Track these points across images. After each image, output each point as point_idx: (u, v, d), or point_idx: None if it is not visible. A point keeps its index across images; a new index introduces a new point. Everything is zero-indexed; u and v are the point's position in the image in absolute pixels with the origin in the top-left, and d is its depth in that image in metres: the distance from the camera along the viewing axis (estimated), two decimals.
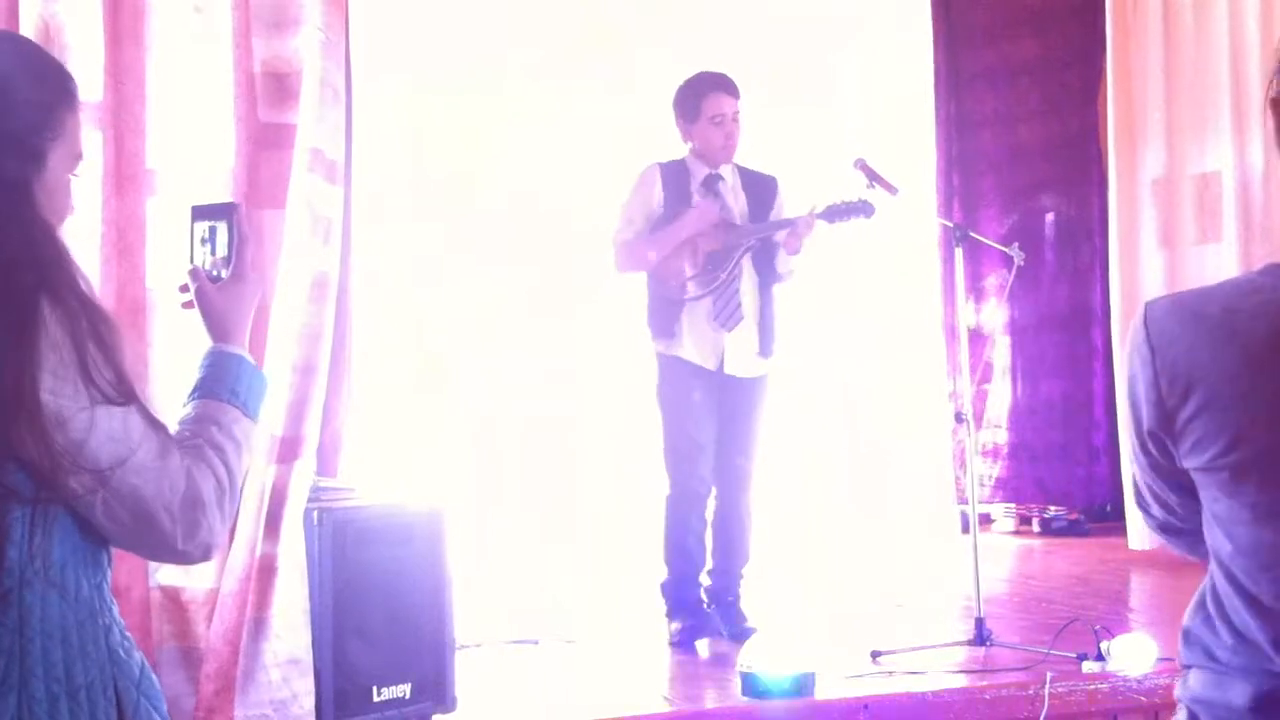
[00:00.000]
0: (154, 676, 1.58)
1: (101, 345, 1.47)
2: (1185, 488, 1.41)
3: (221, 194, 3.12)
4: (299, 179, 3.21)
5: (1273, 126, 1.41)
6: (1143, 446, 1.43)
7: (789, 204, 4.50)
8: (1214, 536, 1.38)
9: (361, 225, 5.48)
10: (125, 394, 1.48)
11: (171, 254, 3.08)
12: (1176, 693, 1.45)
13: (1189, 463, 1.37)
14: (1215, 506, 1.36)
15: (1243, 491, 1.32)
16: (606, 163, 4.54)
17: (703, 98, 4.38)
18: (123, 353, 1.49)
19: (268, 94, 3.26)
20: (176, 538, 1.51)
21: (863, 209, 4.30)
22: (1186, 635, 1.43)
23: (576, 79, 6.36)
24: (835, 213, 4.29)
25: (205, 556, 1.58)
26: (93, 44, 3.13)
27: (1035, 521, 7.16)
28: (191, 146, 3.25)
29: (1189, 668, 1.42)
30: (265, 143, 3.24)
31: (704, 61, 4.62)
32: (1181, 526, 1.47)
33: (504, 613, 4.73)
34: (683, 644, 4.24)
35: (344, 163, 3.38)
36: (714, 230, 4.34)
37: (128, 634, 1.57)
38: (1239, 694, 1.34)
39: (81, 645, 1.49)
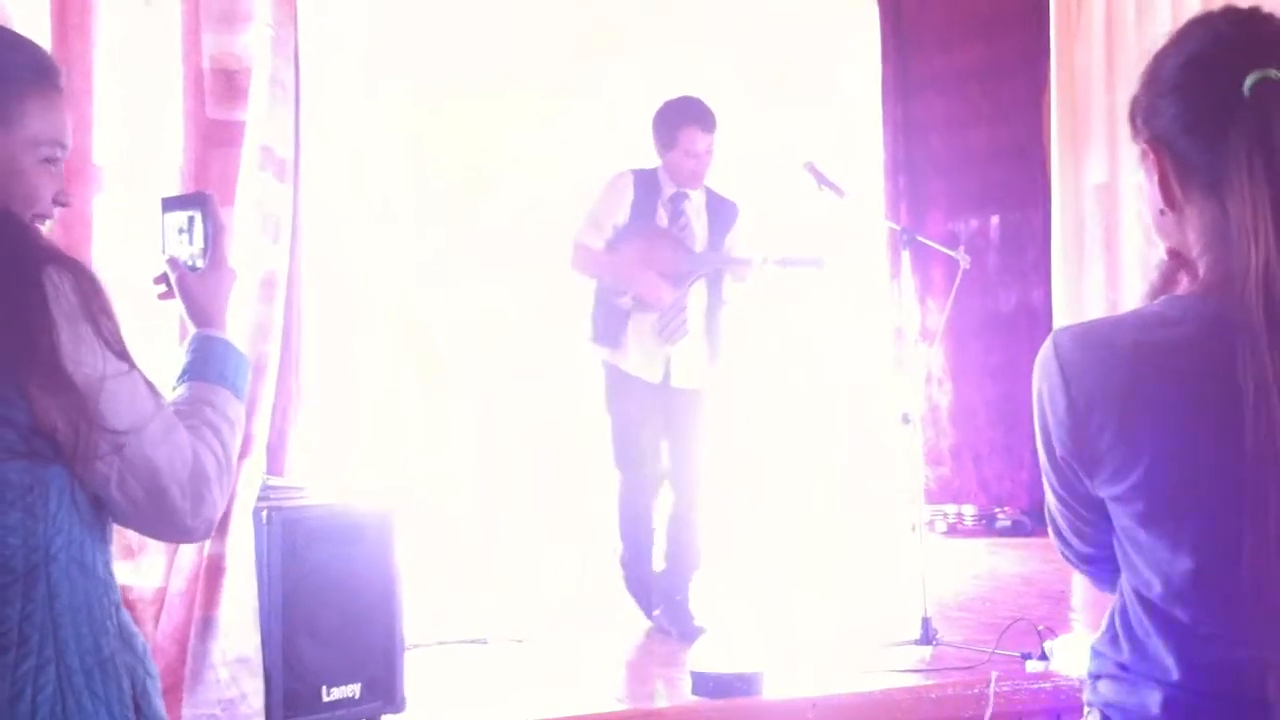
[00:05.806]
0: (153, 659, 1.62)
1: (104, 306, 1.50)
2: (1105, 514, 1.40)
3: (170, 191, 3.08)
4: (248, 177, 3.19)
5: (1156, 170, 1.41)
6: (1058, 473, 1.42)
7: (744, 234, 4.58)
8: (1128, 563, 1.39)
9: (364, 230, 5.49)
10: (127, 356, 1.51)
11: (118, 251, 3.05)
12: (1086, 697, 1.45)
13: (1104, 492, 1.37)
14: (1131, 534, 1.36)
15: (1159, 520, 1.33)
16: (608, 168, 4.57)
17: (679, 130, 4.41)
18: (115, 315, 1.52)
19: (217, 90, 3.23)
20: (186, 513, 1.54)
21: (814, 262, 4.48)
22: (1094, 653, 1.45)
23: (577, 84, 6.37)
24: (789, 261, 4.44)
25: (207, 533, 1.62)
26: (39, 37, 3.08)
27: (979, 522, 7.23)
28: (139, 143, 3.21)
29: (1098, 677, 1.43)
30: (214, 140, 3.22)
31: (688, 69, 4.67)
32: (1101, 555, 1.46)
33: (455, 613, 4.71)
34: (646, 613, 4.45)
35: (294, 160, 3.35)
36: (671, 254, 4.38)
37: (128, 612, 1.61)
38: (1154, 701, 1.35)
39: (101, 620, 1.53)
